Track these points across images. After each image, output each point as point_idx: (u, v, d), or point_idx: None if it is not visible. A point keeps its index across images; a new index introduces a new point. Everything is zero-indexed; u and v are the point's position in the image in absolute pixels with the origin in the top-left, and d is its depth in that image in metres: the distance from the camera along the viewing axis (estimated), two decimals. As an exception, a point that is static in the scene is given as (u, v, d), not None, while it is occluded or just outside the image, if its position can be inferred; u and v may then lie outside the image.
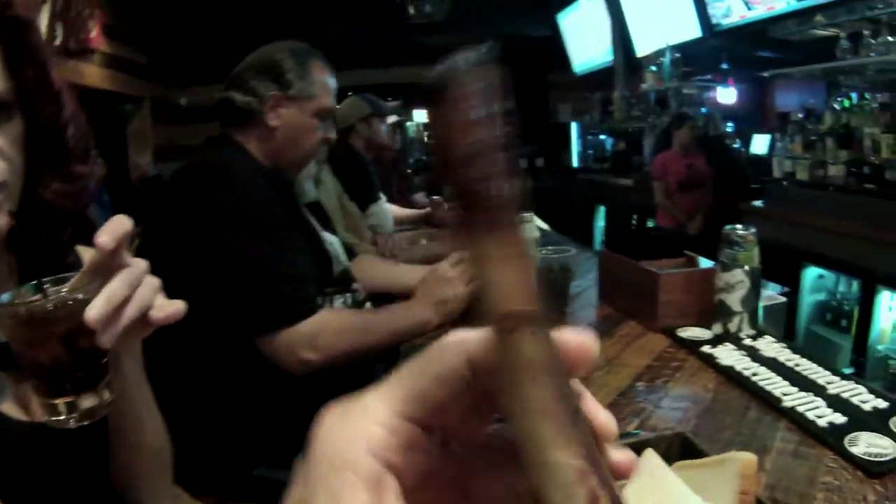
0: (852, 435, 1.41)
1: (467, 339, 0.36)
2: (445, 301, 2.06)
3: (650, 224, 7.46)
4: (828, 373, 1.76)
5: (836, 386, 1.67)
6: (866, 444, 1.37)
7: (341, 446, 0.34)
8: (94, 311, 0.83)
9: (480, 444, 0.39)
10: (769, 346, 1.96)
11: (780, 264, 4.18)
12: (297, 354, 1.87)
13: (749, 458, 1.00)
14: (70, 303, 0.84)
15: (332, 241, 2.34)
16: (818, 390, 1.65)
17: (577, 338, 0.36)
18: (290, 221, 2.05)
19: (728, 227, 2.05)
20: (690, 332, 2.10)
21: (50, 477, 1.02)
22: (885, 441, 1.38)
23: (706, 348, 1.96)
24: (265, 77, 2.09)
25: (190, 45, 9.42)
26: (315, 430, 0.36)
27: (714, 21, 6.67)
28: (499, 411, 0.37)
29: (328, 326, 1.92)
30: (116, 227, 0.85)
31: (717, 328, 2.08)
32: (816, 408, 1.55)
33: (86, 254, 0.87)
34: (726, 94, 8.70)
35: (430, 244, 4.02)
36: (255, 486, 1.93)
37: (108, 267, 0.86)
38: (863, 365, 4.27)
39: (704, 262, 2.28)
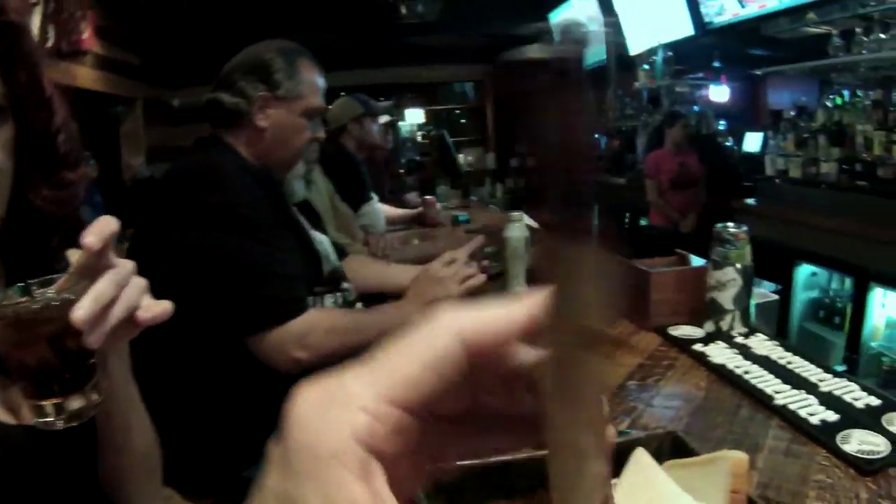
0: (844, 432, 1.41)
1: (462, 321, 0.34)
2: (437, 301, 2.05)
3: (643, 222, 7.46)
4: (820, 370, 1.75)
5: (829, 383, 1.67)
6: (858, 442, 1.37)
7: (325, 435, 0.32)
8: (81, 311, 0.82)
9: (457, 419, 0.37)
10: (761, 343, 1.96)
11: (773, 262, 4.18)
12: (287, 353, 1.87)
13: (740, 456, 1.00)
14: (57, 304, 0.83)
15: (321, 240, 2.34)
16: (810, 388, 1.65)
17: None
18: (279, 221, 2.05)
19: (719, 225, 2.05)
20: (682, 331, 2.10)
21: (39, 479, 1.02)
22: (877, 438, 1.38)
23: (698, 346, 1.96)
24: (253, 77, 2.09)
25: (182, 46, 9.41)
26: (290, 413, 0.33)
27: (707, 19, 6.66)
28: (486, 391, 0.37)
29: (318, 325, 1.92)
30: (103, 228, 0.84)
31: (709, 326, 2.08)
32: (809, 405, 1.55)
33: (74, 256, 0.87)
34: (719, 92, 8.71)
35: (422, 244, 4.02)
36: (247, 488, 1.92)
37: (94, 268, 0.86)
38: (856, 362, 4.27)
39: (696, 261, 2.28)
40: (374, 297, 2.51)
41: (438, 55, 11.65)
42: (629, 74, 8.84)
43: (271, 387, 1.93)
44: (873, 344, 4.33)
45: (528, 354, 0.36)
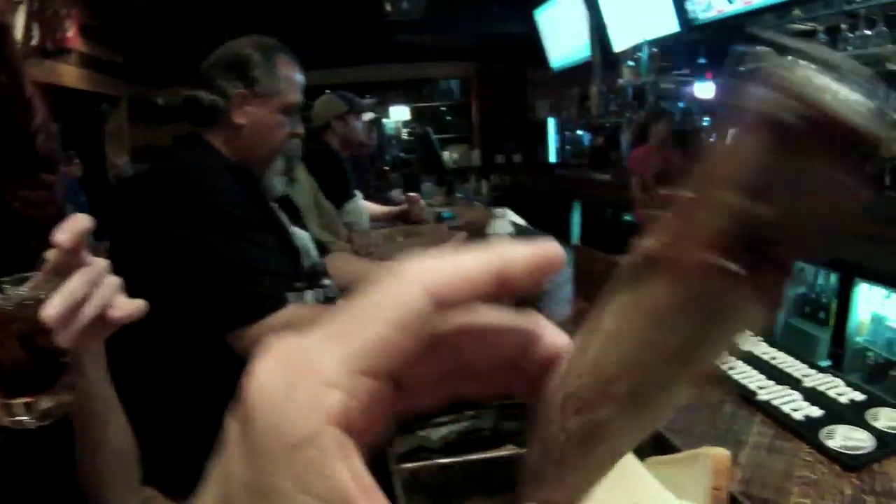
0: (829, 428, 1.41)
1: (427, 272, 0.32)
2: None
3: (627, 218, 7.47)
4: (804, 366, 1.75)
5: (813, 379, 1.67)
6: (843, 438, 1.37)
7: (296, 418, 0.29)
8: (51, 309, 0.81)
9: (428, 381, 0.36)
10: (745, 339, 1.95)
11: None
12: None
13: (721, 453, 0.99)
14: (28, 302, 0.82)
15: (301, 235, 2.33)
16: (794, 383, 1.64)
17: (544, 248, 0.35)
18: (260, 218, 2.04)
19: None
20: (667, 327, 2.09)
21: (15, 479, 1.01)
22: (861, 434, 1.38)
23: (682, 342, 1.95)
24: (231, 74, 2.08)
25: (167, 44, 9.38)
26: (250, 388, 0.31)
27: (692, 16, 6.67)
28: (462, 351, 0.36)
29: (299, 321, 1.91)
30: (75, 226, 0.84)
31: (694, 322, 2.07)
32: (792, 401, 1.55)
33: (52, 256, 0.86)
34: (704, 89, 8.72)
35: (406, 241, 4.01)
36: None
37: (68, 266, 0.85)
38: (841, 357, 4.28)
39: (681, 257, 2.27)
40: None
41: (424, 52, 11.65)
42: (613, 71, 8.84)
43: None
44: (858, 339, 4.35)
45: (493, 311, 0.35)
